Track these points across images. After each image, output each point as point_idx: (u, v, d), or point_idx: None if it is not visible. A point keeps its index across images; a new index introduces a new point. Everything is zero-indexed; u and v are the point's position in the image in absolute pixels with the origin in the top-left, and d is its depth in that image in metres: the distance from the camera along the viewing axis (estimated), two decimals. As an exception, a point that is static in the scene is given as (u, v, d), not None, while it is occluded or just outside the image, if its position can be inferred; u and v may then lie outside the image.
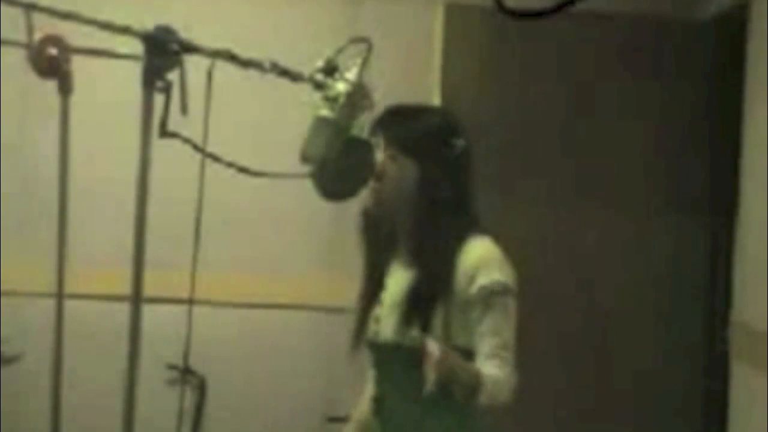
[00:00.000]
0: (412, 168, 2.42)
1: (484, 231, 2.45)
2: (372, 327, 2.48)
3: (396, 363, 2.41)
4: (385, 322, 2.44)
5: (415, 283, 2.39)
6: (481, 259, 2.39)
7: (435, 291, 2.37)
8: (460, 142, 2.46)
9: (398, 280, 2.46)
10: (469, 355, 2.33)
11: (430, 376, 2.16)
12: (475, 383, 2.28)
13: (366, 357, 2.54)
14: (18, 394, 3.91)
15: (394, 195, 2.43)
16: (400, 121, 2.48)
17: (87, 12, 2.05)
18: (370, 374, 2.57)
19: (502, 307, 2.37)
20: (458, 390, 2.29)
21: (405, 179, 2.42)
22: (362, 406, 2.62)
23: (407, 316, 2.37)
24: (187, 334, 2.38)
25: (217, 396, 4.15)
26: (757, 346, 3.37)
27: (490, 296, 2.36)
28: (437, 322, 2.35)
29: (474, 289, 2.36)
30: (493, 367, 2.31)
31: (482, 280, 2.36)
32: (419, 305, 2.37)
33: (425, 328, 2.32)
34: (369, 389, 2.58)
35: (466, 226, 2.44)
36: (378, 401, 2.50)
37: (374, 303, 2.49)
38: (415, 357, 2.19)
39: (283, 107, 3.71)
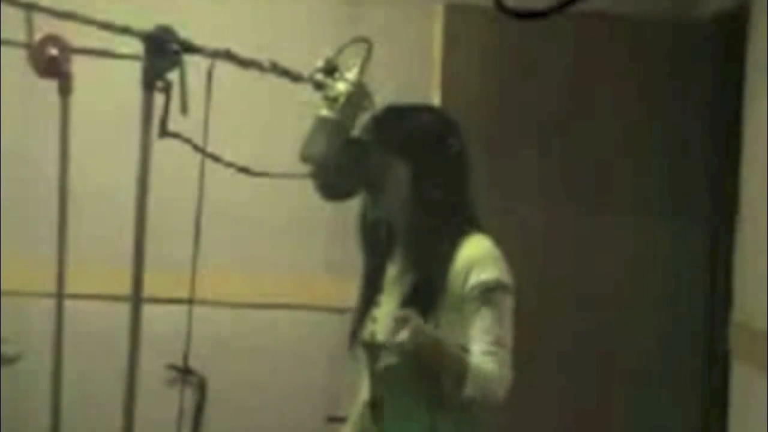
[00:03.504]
0: (404, 170, 2.38)
1: (481, 229, 2.42)
2: (369, 327, 2.45)
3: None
4: (382, 322, 2.41)
5: (413, 287, 2.36)
6: (474, 256, 2.36)
7: (433, 293, 2.34)
8: (452, 142, 2.42)
9: (395, 281, 2.44)
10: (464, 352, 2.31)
11: (398, 338, 2.19)
12: (460, 370, 2.26)
13: (361, 358, 2.52)
14: (18, 394, 3.91)
15: (388, 197, 2.39)
16: (391, 123, 2.42)
17: (87, 12, 2.06)
18: (364, 376, 2.53)
19: (497, 303, 2.34)
20: (442, 374, 2.28)
21: (397, 181, 2.38)
22: (359, 408, 2.60)
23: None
24: (187, 334, 2.39)
25: (217, 396, 4.15)
26: (757, 346, 3.37)
27: (485, 292, 2.32)
28: (431, 319, 2.31)
29: (468, 286, 2.33)
30: (485, 363, 2.28)
31: (476, 276, 2.33)
32: (418, 307, 2.32)
33: None
34: (363, 392, 2.54)
35: (462, 226, 2.40)
36: (372, 406, 2.47)
37: (372, 304, 2.47)
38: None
39: (283, 107, 3.71)
